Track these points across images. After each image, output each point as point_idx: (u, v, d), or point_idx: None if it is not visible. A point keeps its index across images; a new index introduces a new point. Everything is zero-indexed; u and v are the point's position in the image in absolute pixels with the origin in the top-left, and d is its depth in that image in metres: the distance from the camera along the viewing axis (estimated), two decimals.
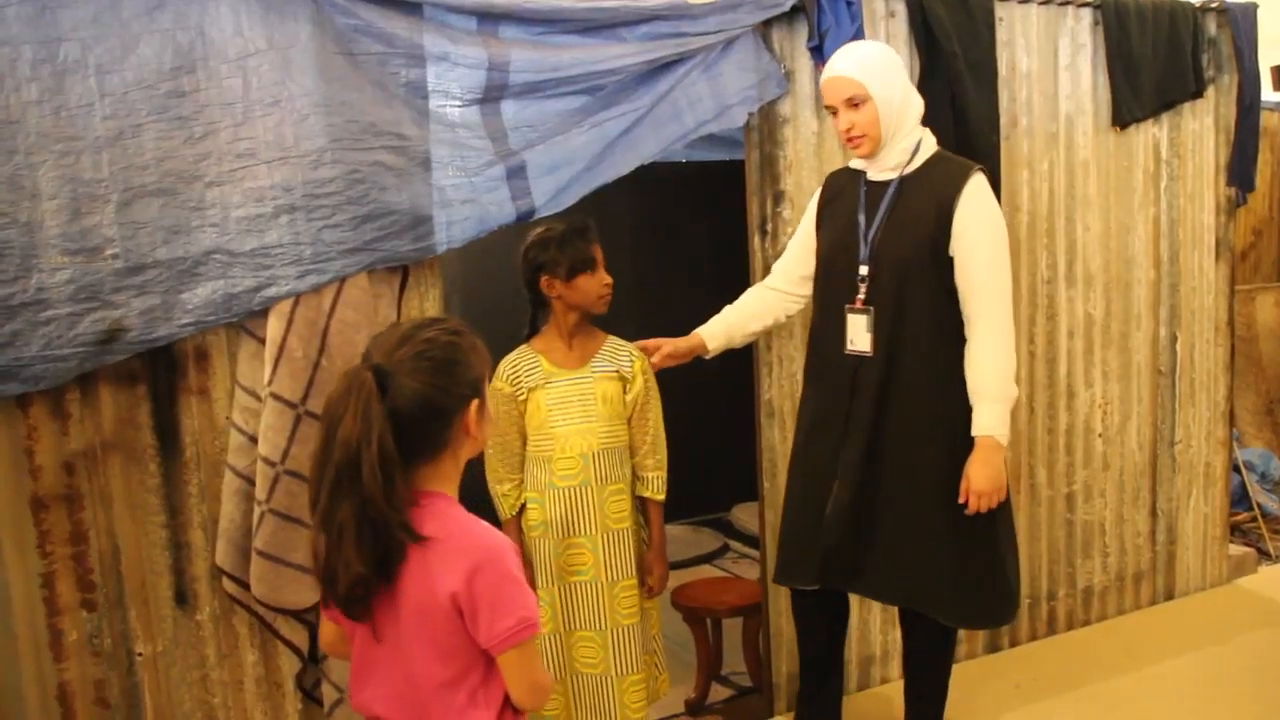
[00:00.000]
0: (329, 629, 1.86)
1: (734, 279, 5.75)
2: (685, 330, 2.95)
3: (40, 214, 2.29)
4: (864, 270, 2.72)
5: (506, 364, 2.79)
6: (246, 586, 2.61)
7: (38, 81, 2.33)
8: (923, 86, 3.43)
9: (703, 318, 3.00)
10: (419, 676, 1.70)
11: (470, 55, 2.68)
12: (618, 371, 2.80)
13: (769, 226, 3.27)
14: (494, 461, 2.81)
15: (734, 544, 5.47)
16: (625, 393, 2.82)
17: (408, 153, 2.65)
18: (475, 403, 1.70)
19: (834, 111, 2.74)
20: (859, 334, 2.73)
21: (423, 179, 2.67)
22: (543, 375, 2.76)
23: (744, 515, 5.73)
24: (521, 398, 2.77)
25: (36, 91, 2.32)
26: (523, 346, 2.83)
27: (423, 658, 1.69)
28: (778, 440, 3.35)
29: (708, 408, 5.71)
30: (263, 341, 2.55)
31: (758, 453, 3.38)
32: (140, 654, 2.62)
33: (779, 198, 3.26)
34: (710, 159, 5.75)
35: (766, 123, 3.23)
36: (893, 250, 2.69)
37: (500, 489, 2.83)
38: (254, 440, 2.57)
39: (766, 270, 3.24)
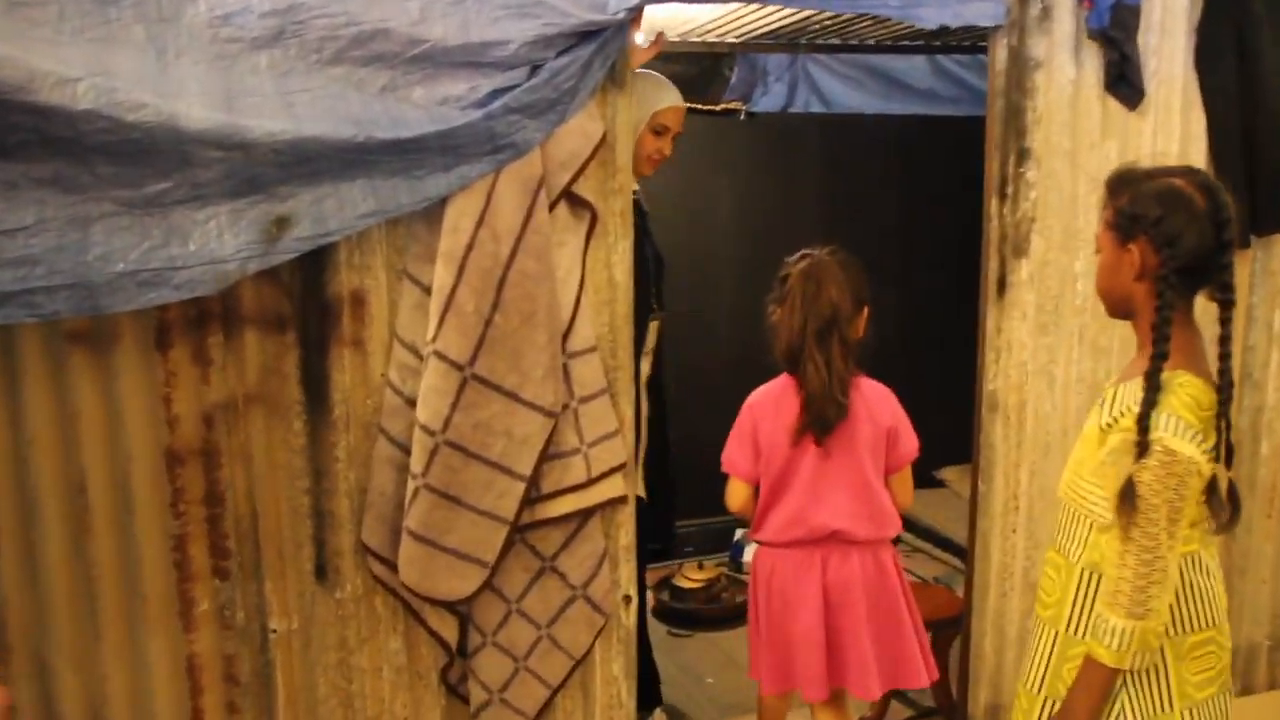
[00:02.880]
0: (743, 490, 2.55)
1: (928, 254, 5.27)
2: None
3: (191, 109, 1.95)
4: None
5: None
6: (394, 569, 2.29)
7: None
8: (1204, 30, 2.87)
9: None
10: (871, 485, 2.49)
11: None
12: (1100, 404, 1.89)
13: (1010, 189, 2.77)
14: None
15: (906, 535, 5.00)
16: (1100, 445, 1.85)
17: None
18: (867, 308, 2.48)
19: (663, 132, 2.85)
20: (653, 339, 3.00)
21: None
22: None
23: (918, 503, 5.25)
24: None
25: None
26: None
27: (871, 471, 2.49)
28: (999, 438, 2.87)
29: (892, 378, 5.23)
30: (428, 291, 2.21)
31: (975, 452, 2.92)
32: (274, 630, 2.34)
33: (1024, 155, 2.76)
34: (904, 113, 5.24)
35: (1015, 66, 2.73)
36: None
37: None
38: (411, 403, 2.24)
39: (1004, 239, 2.76)
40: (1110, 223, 1.83)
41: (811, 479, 2.45)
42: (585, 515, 2.40)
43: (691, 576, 4.13)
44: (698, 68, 4.77)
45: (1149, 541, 1.72)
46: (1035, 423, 2.88)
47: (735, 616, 4.09)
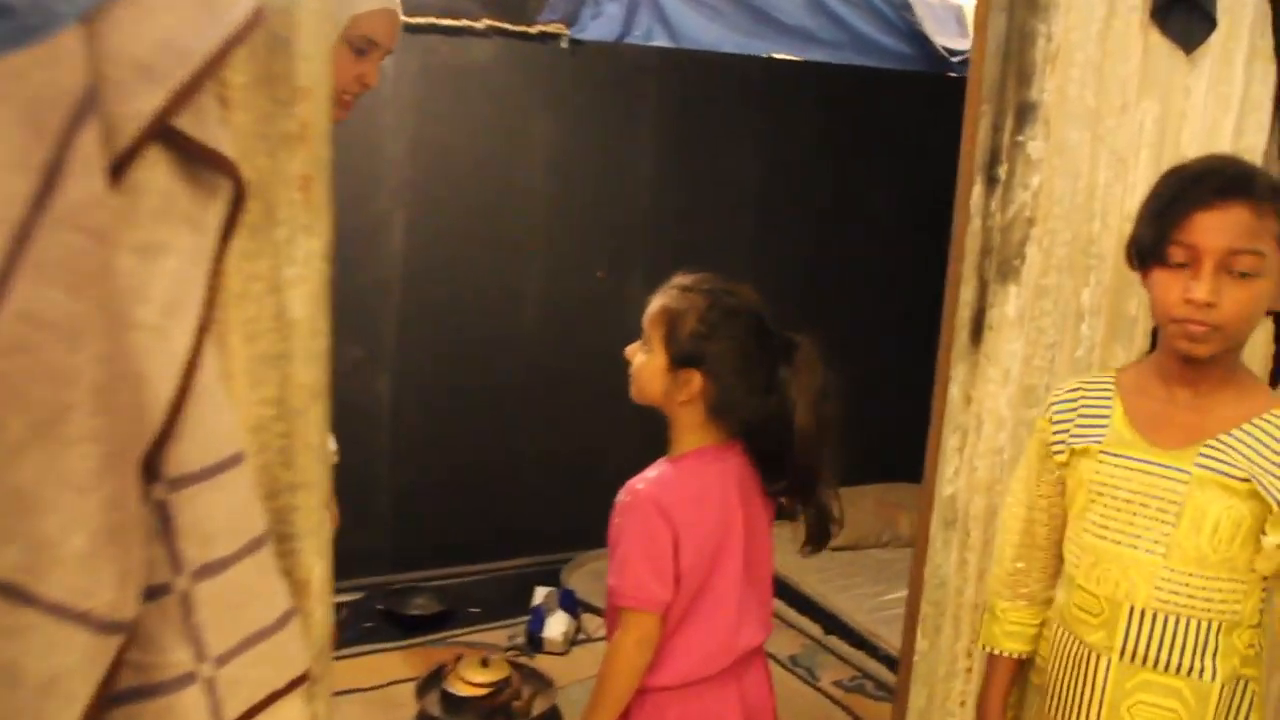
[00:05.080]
0: (655, 628, 1.70)
1: (794, 229, 4.24)
2: None
3: None
4: None
5: (1065, 390, 1.61)
6: None
7: None
8: None
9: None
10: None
11: None
12: (1228, 473, 1.42)
13: (1002, 170, 1.68)
14: (1000, 546, 1.68)
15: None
16: (1265, 528, 1.40)
17: None
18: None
19: (367, 50, 1.71)
20: None
21: None
22: (1105, 435, 1.53)
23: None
24: (1061, 456, 1.58)
25: None
26: (1113, 370, 1.62)
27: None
28: (953, 568, 1.81)
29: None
30: None
31: (913, 587, 1.85)
32: None
33: (1026, 114, 1.68)
34: (770, 54, 4.18)
35: None
36: None
37: (994, 600, 1.67)
38: None
39: (987, 252, 1.69)
40: None
41: (739, 584, 1.74)
42: None
43: (470, 679, 2.97)
44: None
45: None
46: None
47: None
